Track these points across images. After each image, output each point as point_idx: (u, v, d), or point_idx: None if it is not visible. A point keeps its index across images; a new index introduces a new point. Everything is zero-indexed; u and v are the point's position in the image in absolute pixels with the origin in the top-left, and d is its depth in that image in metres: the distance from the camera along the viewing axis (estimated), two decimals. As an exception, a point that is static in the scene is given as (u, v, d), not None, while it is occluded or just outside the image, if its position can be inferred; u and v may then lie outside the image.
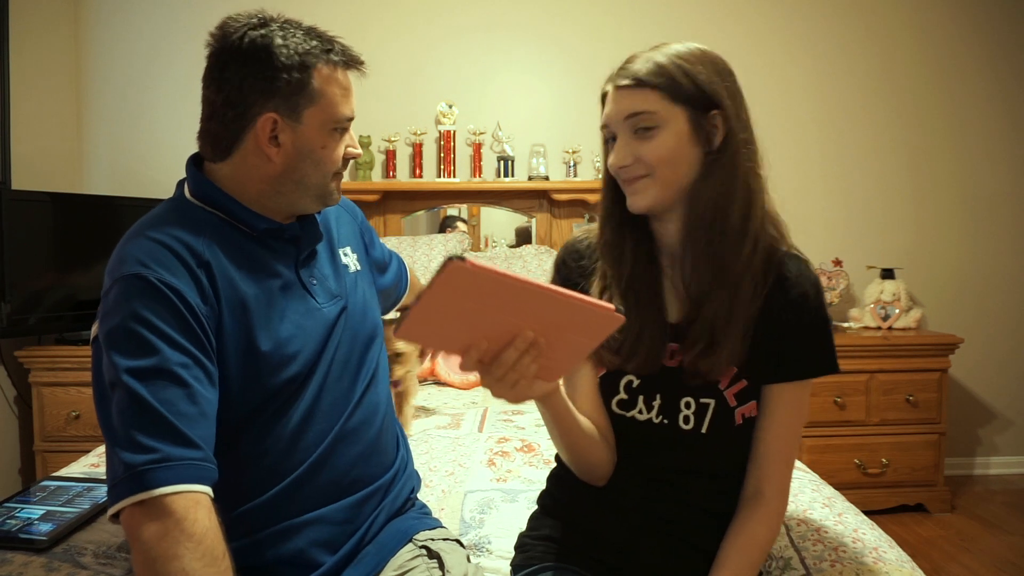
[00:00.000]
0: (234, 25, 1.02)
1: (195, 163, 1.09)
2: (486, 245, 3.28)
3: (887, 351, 2.77)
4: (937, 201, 3.29)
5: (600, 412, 1.03)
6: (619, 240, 1.03)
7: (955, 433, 3.22)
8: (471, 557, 1.19)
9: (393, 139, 3.08)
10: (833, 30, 3.24)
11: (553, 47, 3.17)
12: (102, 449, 1.64)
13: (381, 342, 1.23)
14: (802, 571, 1.11)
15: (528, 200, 3.18)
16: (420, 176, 3.14)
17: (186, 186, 1.09)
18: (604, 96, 1.01)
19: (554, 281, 1.10)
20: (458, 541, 1.17)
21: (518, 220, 3.26)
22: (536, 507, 1.16)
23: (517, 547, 1.12)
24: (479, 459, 1.57)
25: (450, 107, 3.10)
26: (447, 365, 2.46)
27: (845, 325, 3.08)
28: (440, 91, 3.12)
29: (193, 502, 0.85)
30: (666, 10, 3.20)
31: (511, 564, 1.12)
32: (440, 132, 3.11)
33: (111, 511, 0.86)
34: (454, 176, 3.12)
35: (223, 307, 0.98)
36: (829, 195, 3.27)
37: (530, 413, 1.94)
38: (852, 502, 1.38)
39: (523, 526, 1.17)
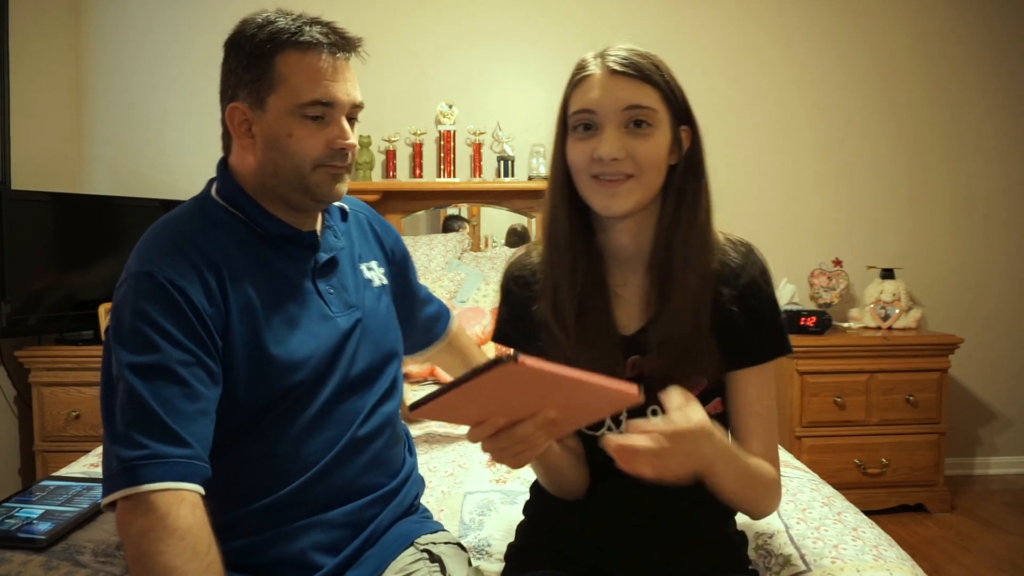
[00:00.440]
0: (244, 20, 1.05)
1: (226, 160, 1.11)
2: (486, 245, 3.28)
3: (887, 351, 2.77)
4: (937, 201, 3.29)
5: (571, 434, 1.00)
6: (571, 247, 0.96)
7: (955, 433, 3.22)
8: (471, 560, 1.18)
9: (393, 139, 3.08)
10: (833, 31, 3.24)
11: (553, 47, 3.17)
12: (101, 449, 1.64)
13: (399, 360, 1.21)
14: (802, 567, 1.11)
15: (528, 200, 3.18)
16: (420, 176, 3.14)
17: (214, 184, 1.10)
18: (580, 77, 0.93)
19: (501, 308, 1.05)
20: (460, 545, 1.17)
21: (519, 220, 3.26)
22: (523, 517, 1.14)
23: (507, 557, 1.10)
24: (478, 460, 1.57)
25: (450, 107, 3.10)
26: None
27: (845, 325, 3.08)
28: (440, 91, 3.12)
29: (178, 499, 0.87)
30: (664, 13, 3.20)
31: (501, 574, 1.11)
32: (440, 132, 3.11)
33: (104, 501, 0.89)
34: (454, 176, 3.12)
35: (231, 309, 0.99)
36: (829, 195, 3.27)
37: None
38: (852, 502, 1.38)
39: None
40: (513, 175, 3.14)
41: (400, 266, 1.30)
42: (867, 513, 1.42)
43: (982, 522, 2.75)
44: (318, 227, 1.14)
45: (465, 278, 2.75)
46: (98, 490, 1.30)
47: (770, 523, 1.25)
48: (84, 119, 3.11)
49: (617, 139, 0.89)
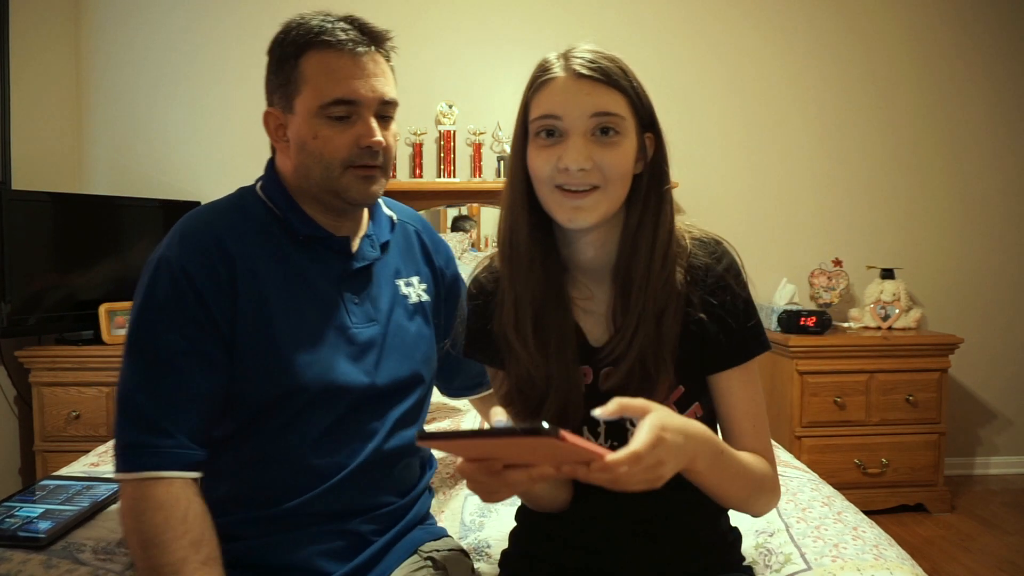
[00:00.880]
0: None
1: (273, 159, 1.11)
2: (486, 245, 3.28)
3: (887, 351, 2.77)
4: (937, 201, 3.29)
5: None
6: (531, 260, 0.91)
7: (955, 433, 3.22)
8: (474, 568, 1.18)
9: (393, 139, 3.08)
10: (832, 30, 3.24)
11: (553, 48, 3.16)
12: (102, 448, 1.64)
13: (427, 386, 1.17)
14: (803, 566, 1.11)
15: (528, 200, 3.17)
16: (420, 176, 3.14)
17: (261, 180, 1.11)
18: (542, 80, 0.88)
19: (470, 321, 1.00)
20: (463, 551, 1.16)
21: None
22: (516, 524, 1.11)
23: (500, 563, 1.09)
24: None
25: (450, 107, 3.10)
26: None
27: (845, 325, 3.08)
28: (440, 91, 3.12)
29: (157, 482, 0.91)
30: (662, 16, 3.20)
31: None
32: (440, 132, 3.11)
33: (115, 476, 0.94)
34: (454, 176, 3.12)
35: (239, 301, 0.99)
36: (829, 195, 3.28)
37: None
38: (852, 502, 1.38)
39: None
40: (513, 175, 3.13)
41: (450, 289, 1.24)
42: (867, 513, 1.42)
43: (982, 522, 2.75)
44: (359, 234, 1.12)
45: (466, 277, 2.75)
46: (99, 488, 1.32)
47: (770, 522, 1.25)
48: (84, 119, 3.11)
49: (584, 148, 0.84)
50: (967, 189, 3.29)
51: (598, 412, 0.71)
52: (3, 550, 1.09)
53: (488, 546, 1.27)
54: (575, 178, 0.85)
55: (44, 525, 1.16)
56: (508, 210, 0.94)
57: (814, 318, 2.84)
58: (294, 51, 1.02)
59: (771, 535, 1.22)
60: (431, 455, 1.24)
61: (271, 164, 1.11)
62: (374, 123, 1.02)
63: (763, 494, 0.94)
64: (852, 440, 2.76)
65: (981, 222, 3.30)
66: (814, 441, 2.75)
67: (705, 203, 3.13)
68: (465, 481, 0.73)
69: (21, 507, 1.23)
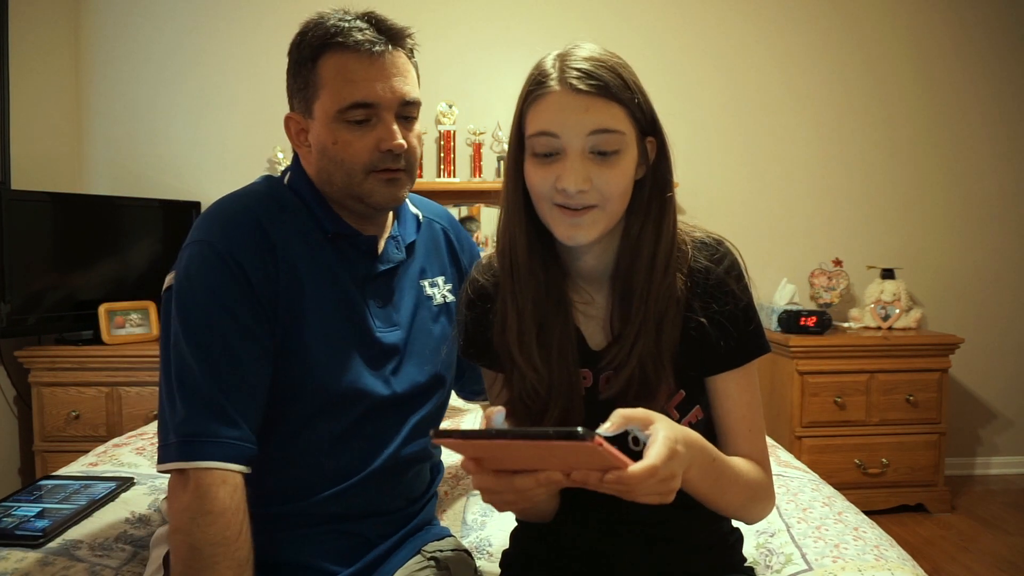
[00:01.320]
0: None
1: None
2: (486, 245, 3.28)
3: (887, 351, 2.77)
4: (937, 201, 3.29)
5: None
6: (532, 273, 0.90)
7: (955, 433, 3.21)
8: (476, 568, 1.18)
9: (393, 139, 3.08)
10: (832, 31, 3.24)
11: (552, 48, 3.16)
12: (101, 449, 1.64)
13: (446, 388, 1.15)
14: (803, 566, 1.11)
15: (528, 200, 3.17)
16: (420, 176, 3.13)
17: (288, 173, 1.08)
18: (537, 94, 0.84)
19: (467, 323, 0.98)
20: (466, 551, 1.16)
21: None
22: (516, 524, 1.11)
23: (501, 564, 1.09)
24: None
25: (450, 107, 3.10)
26: None
27: (845, 325, 3.08)
28: (440, 91, 3.12)
29: (220, 479, 0.88)
30: (659, 18, 3.20)
31: None
32: (440, 132, 3.11)
33: (158, 468, 0.91)
34: (454, 176, 3.12)
35: (279, 292, 0.97)
36: (829, 195, 3.27)
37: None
38: (852, 502, 1.38)
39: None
40: (513, 175, 3.13)
41: None
42: (867, 513, 1.41)
43: (982, 522, 2.74)
44: (385, 234, 1.10)
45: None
46: (96, 487, 1.31)
47: (771, 522, 1.25)
48: (84, 119, 3.11)
49: (582, 168, 0.82)
50: (967, 189, 3.29)
51: (604, 429, 0.70)
52: (0, 548, 1.09)
53: (490, 545, 1.27)
54: (573, 199, 0.83)
55: (41, 523, 1.16)
56: (506, 223, 0.92)
57: (814, 318, 2.84)
58: (311, 54, 1.00)
59: (772, 535, 1.22)
60: (440, 461, 1.23)
61: (297, 159, 1.08)
62: (395, 125, 1.00)
63: (757, 502, 0.92)
64: (852, 440, 2.76)
65: (981, 222, 3.29)
66: (814, 441, 2.75)
67: (705, 203, 3.12)
68: (472, 485, 0.72)
69: (19, 506, 1.23)
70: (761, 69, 3.23)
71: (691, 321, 0.90)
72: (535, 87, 0.85)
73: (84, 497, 1.27)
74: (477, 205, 3.24)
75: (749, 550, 1.16)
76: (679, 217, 0.93)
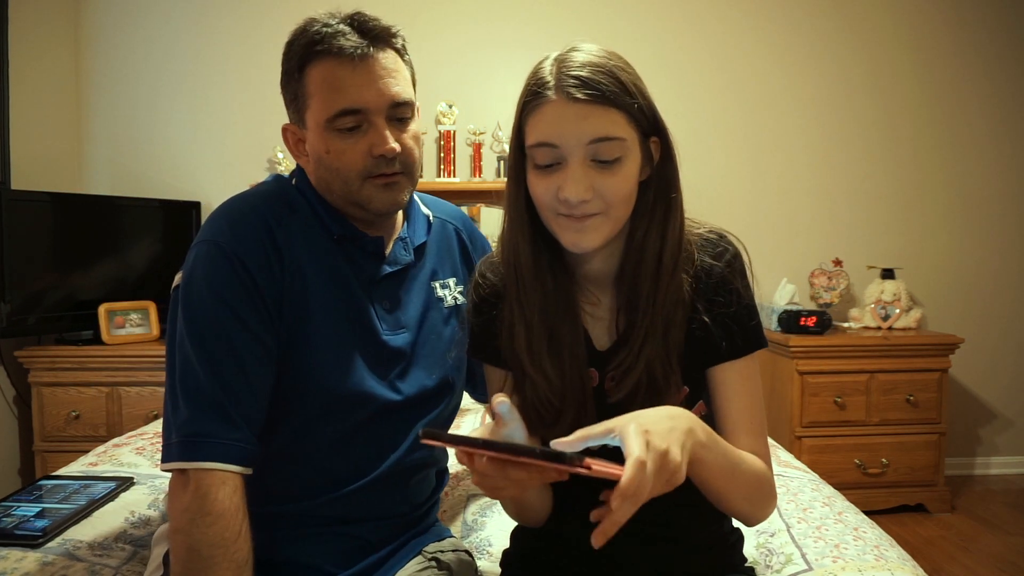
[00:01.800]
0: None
1: None
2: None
3: (887, 351, 2.77)
4: (937, 201, 3.29)
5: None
6: (534, 274, 0.90)
7: (955, 433, 3.21)
8: (477, 569, 1.18)
9: (393, 139, 3.08)
10: (831, 31, 3.24)
11: (552, 47, 3.16)
12: (101, 449, 1.64)
13: (456, 392, 1.15)
14: (804, 566, 1.11)
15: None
16: (420, 176, 3.13)
17: (294, 176, 1.08)
18: (535, 103, 0.84)
19: (473, 320, 0.98)
20: (467, 552, 1.16)
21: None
22: (516, 524, 1.10)
23: (501, 564, 1.09)
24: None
25: (450, 107, 3.10)
26: None
27: (845, 325, 3.08)
28: (440, 91, 3.12)
29: (220, 480, 0.88)
30: (660, 18, 3.20)
31: None
32: (440, 132, 3.11)
33: (161, 467, 0.91)
34: (454, 176, 3.12)
35: (284, 293, 0.97)
36: (829, 195, 3.27)
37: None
38: (852, 502, 1.38)
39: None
40: (513, 175, 3.13)
41: None
42: (867, 513, 1.41)
43: (982, 522, 2.74)
44: (394, 235, 1.09)
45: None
46: (96, 487, 1.31)
47: (771, 522, 1.25)
48: (84, 119, 3.11)
49: (583, 177, 0.81)
50: (967, 189, 3.29)
51: (559, 443, 0.69)
52: (0, 548, 1.09)
53: (490, 545, 1.27)
54: (576, 208, 0.83)
55: (41, 523, 1.16)
56: (509, 233, 0.91)
57: (814, 318, 2.84)
58: (298, 64, 0.99)
59: (772, 535, 1.22)
60: (446, 467, 1.22)
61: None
62: (386, 130, 0.98)
63: (762, 497, 0.91)
64: (852, 440, 2.76)
65: (981, 222, 3.29)
66: (814, 441, 2.75)
67: (706, 203, 3.12)
68: (471, 477, 0.72)
69: (18, 506, 1.23)
70: (761, 69, 3.23)
71: (695, 320, 0.89)
72: (532, 97, 0.84)
73: (84, 497, 1.27)
74: (477, 205, 3.24)
75: (749, 550, 1.16)
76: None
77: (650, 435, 0.68)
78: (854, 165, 3.27)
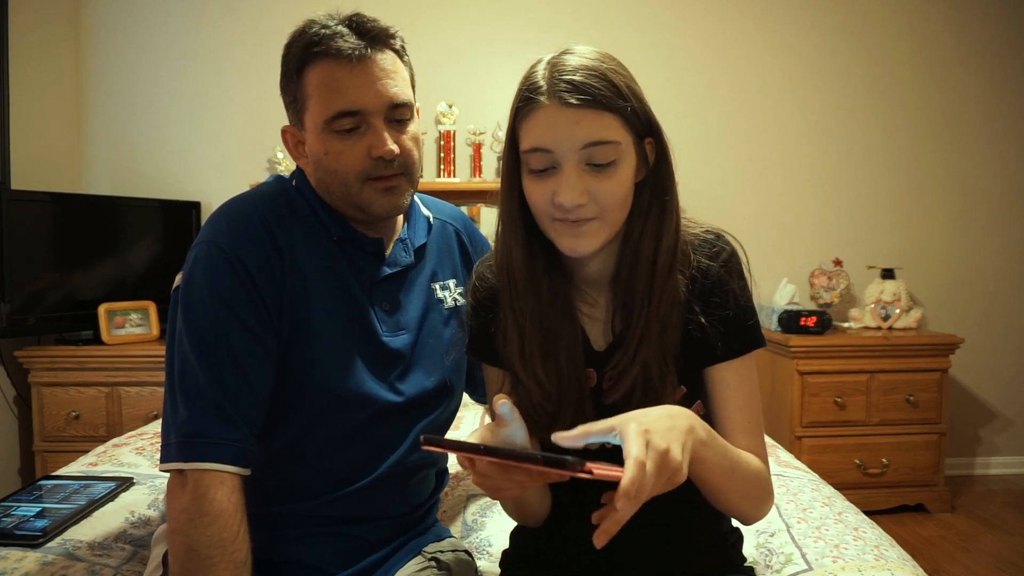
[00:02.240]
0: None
1: None
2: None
3: (887, 351, 2.77)
4: (937, 201, 3.29)
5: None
6: (528, 279, 0.90)
7: (955, 433, 3.21)
8: (477, 569, 1.17)
9: (393, 139, 3.08)
10: (831, 31, 3.24)
11: (552, 47, 3.16)
12: (101, 449, 1.64)
13: (455, 395, 1.14)
14: (804, 566, 1.11)
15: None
16: (421, 176, 3.13)
17: (295, 177, 1.07)
18: (528, 108, 0.83)
19: (472, 319, 0.98)
20: (467, 552, 1.16)
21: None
22: (516, 524, 1.10)
23: (501, 564, 1.09)
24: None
25: (450, 107, 3.10)
26: None
27: (845, 325, 3.08)
28: (440, 91, 3.12)
29: (218, 481, 0.88)
30: (660, 18, 3.20)
31: None
32: (440, 132, 3.11)
33: (159, 468, 0.91)
34: (454, 176, 3.12)
35: (285, 294, 0.97)
36: (829, 195, 3.27)
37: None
38: (852, 502, 1.38)
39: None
40: (513, 175, 3.13)
41: None
42: (867, 513, 1.41)
43: (982, 522, 2.74)
44: (394, 236, 1.09)
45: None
46: (96, 487, 1.31)
47: (771, 522, 1.25)
48: (84, 119, 3.11)
49: (577, 182, 0.81)
50: (967, 189, 3.29)
51: (560, 438, 0.69)
52: (0, 548, 1.09)
53: (490, 545, 1.27)
54: (572, 213, 0.82)
55: (41, 523, 1.16)
56: (503, 238, 0.91)
57: (814, 318, 2.84)
58: (296, 66, 0.99)
59: (772, 535, 1.22)
60: (446, 468, 1.22)
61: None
62: (385, 131, 0.98)
63: (760, 496, 0.91)
64: (852, 440, 2.76)
65: (981, 222, 3.29)
66: (814, 441, 2.75)
67: (705, 203, 3.13)
68: (471, 477, 0.72)
69: (18, 506, 1.23)
70: (761, 69, 3.23)
71: (692, 321, 0.89)
72: (525, 102, 0.84)
73: (84, 497, 1.27)
74: (477, 205, 3.24)
75: (749, 550, 1.16)
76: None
77: (650, 434, 0.68)
78: (854, 165, 3.27)
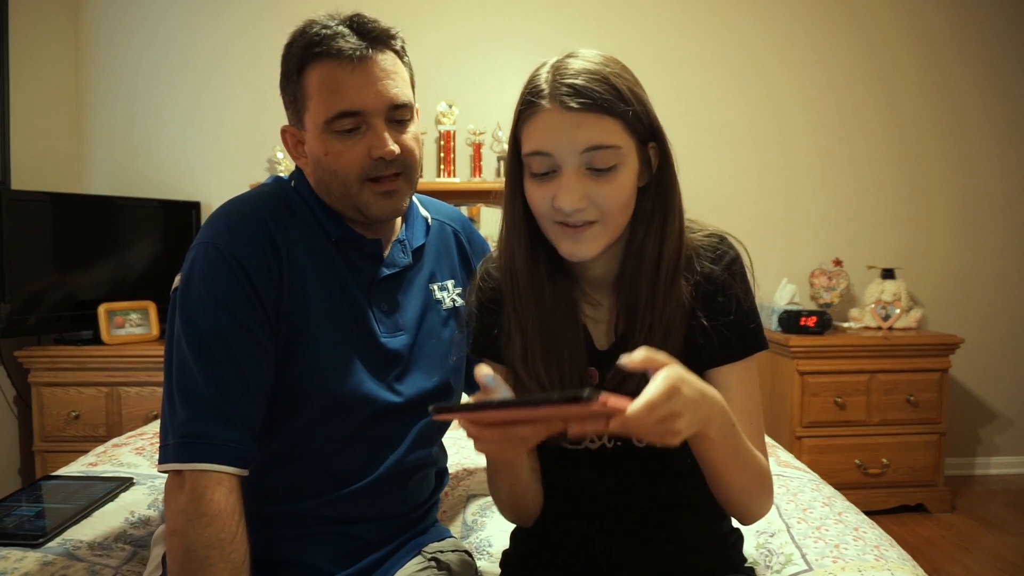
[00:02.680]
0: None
1: None
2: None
3: (887, 351, 2.76)
4: (937, 201, 3.29)
5: (533, 451, 0.96)
6: (531, 282, 0.90)
7: (955, 433, 3.21)
8: (477, 569, 1.17)
9: (393, 139, 3.08)
10: (832, 31, 3.24)
11: (553, 47, 3.16)
12: (101, 449, 1.64)
13: (455, 396, 1.14)
14: (804, 566, 1.11)
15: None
16: (420, 176, 3.13)
17: (294, 178, 1.07)
18: (530, 112, 0.83)
19: (476, 319, 0.98)
20: (467, 552, 1.16)
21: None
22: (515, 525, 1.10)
23: (501, 564, 1.09)
24: (481, 461, 1.57)
25: (450, 107, 3.10)
26: None
27: (845, 325, 3.08)
28: (440, 91, 3.12)
29: (216, 481, 0.88)
30: (662, 18, 3.20)
31: None
32: (440, 132, 3.11)
33: (158, 468, 0.91)
34: (454, 176, 3.11)
35: (283, 294, 0.97)
36: (829, 195, 3.27)
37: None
38: (852, 502, 1.38)
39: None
40: (513, 175, 3.13)
41: None
42: (867, 513, 1.41)
43: (982, 522, 2.74)
44: (392, 237, 1.09)
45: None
46: (96, 487, 1.31)
47: (771, 522, 1.25)
48: (84, 119, 3.11)
49: (578, 186, 0.81)
50: (968, 189, 3.29)
51: (625, 360, 0.70)
52: (0, 548, 1.09)
53: (490, 545, 1.27)
54: (572, 217, 0.83)
55: (41, 523, 1.16)
56: (506, 240, 0.91)
57: (815, 318, 2.84)
58: (296, 66, 0.99)
59: (772, 535, 1.22)
60: (445, 468, 1.22)
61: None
62: (385, 132, 0.98)
63: (763, 490, 0.91)
64: (852, 440, 2.76)
65: (982, 222, 3.29)
66: (814, 441, 2.75)
67: (706, 203, 3.13)
68: (473, 445, 0.73)
69: (19, 506, 1.23)
70: (763, 69, 3.22)
71: (695, 325, 0.89)
72: (527, 105, 0.84)
73: (84, 497, 1.27)
74: (477, 205, 3.24)
75: (749, 550, 1.16)
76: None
77: (679, 394, 0.69)
78: (855, 165, 3.27)
